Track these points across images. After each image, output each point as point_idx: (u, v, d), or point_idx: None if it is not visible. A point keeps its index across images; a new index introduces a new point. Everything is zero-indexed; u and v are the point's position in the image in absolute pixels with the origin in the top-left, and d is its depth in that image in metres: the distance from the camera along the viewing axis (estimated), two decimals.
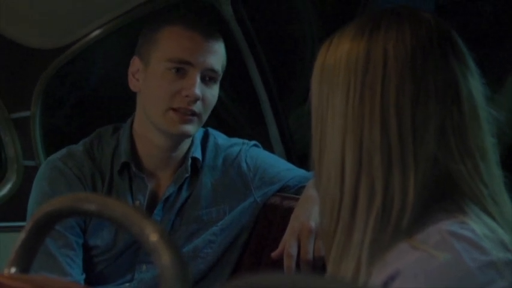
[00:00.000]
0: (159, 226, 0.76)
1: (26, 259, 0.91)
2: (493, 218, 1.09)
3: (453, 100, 1.09)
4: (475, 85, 1.12)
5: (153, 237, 0.75)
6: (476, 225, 1.05)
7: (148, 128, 1.88)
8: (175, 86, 1.82)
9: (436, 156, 1.08)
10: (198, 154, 1.94)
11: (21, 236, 0.91)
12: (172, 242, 0.74)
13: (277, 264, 1.75)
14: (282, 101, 2.46)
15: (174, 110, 1.82)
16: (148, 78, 1.86)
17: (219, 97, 1.92)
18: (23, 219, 2.01)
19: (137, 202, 1.89)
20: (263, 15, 2.77)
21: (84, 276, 1.85)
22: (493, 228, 1.07)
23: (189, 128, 1.84)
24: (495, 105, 1.15)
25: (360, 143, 1.09)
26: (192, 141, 1.94)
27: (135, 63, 1.89)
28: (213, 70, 1.85)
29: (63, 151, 1.93)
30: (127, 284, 1.91)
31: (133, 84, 1.90)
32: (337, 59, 1.13)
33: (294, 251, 1.71)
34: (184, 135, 1.87)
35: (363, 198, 1.09)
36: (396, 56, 1.09)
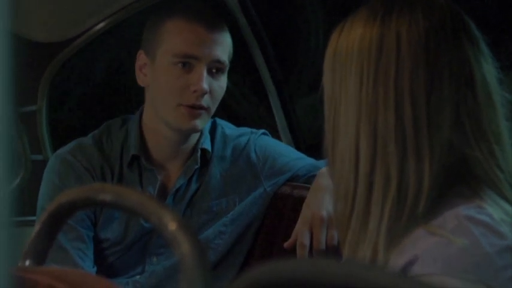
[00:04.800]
0: (177, 215, 0.75)
1: (40, 251, 0.90)
2: (510, 203, 1.08)
3: (467, 84, 1.09)
4: (488, 69, 1.12)
5: (172, 226, 0.74)
6: (493, 210, 1.05)
7: (157, 122, 1.87)
8: (182, 81, 1.81)
9: (451, 142, 1.07)
10: (207, 145, 1.93)
11: (36, 228, 0.90)
12: (191, 230, 0.73)
13: (289, 254, 1.74)
14: (289, 90, 2.45)
15: (184, 105, 1.81)
16: (155, 73, 1.85)
17: (226, 87, 1.91)
18: (32, 214, 2.00)
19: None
20: (268, 4, 2.76)
21: (95, 269, 1.84)
22: (510, 212, 1.06)
23: (199, 122, 1.83)
24: (505, 87, 1.15)
25: (374, 129, 1.08)
26: (201, 133, 1.93)
27: (141, 58, 1.88)
28: (219, 61, 1.84)
29: (72, 144, 1.92)
30: (138, 277, 1.90)
31: (141, 79, 1.88)
32: (349, 44, 1.12)
33: (306, 240, 1.70)
34: (194, 130, 1.86)
35: (378, 185, 1.08)
36: (409, 40, 1.08)
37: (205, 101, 1.82)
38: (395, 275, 0.60)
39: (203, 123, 1.85)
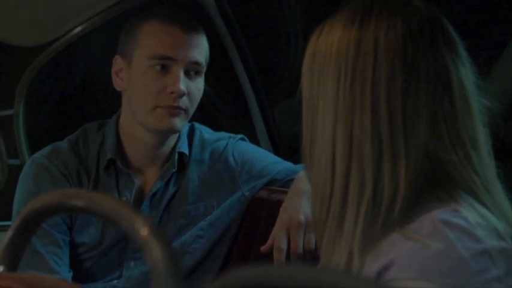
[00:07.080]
0: (149, 220, 0.75)
1: (13, 257, 0.89)
2: (486, 207, 1.08)
3: (444, 89, 1.09)
4: (466, 74, 1.12)
5: (143, 231, 0.74)
6: (469, 213, 1.05)
7: (135, 126, 1.87)
8: (159, 83, 1.80)
9: (427, 146, 1.07)
10: (185, 149, 1.93)
11: (8, 234, 0.89)
12: (162, 236, 0.73)
13: (267, 258, 1.74)
14: (268, 95, 2.45)
15: (161, 107, 1.80)
16: (132, 77, 1.84)
17: (204, 91, 1.90)
18: (8, 218, 1.99)
19: (124, 198, 1.87)
20: (246, 9, 2.76)
21: (71, 273, 1.83)
22: (485, 216, 1.06)
23: (177, 122, 1.82)
24: (483, 93, 1.15)
25: (350, 132, 1.09)
26: (179, 136, 1.93)
27: (118, 62, 1.87)
28: (196, 63, 1.83)
29: (48, 148, 1.91)
30: (115, 281, 1.89)
31: (117, 83, 1.88)
32: (328, 46, 1.12)
33: (283, 244, 1.70)
34: (172, 130, 1.85)
35: (354, 188, 1.08)
36: (387, 45, 1.08)
37: (183, 102, 1.81)
38: (366, 281, 0.60)
39: (181, 123, 1.84)
